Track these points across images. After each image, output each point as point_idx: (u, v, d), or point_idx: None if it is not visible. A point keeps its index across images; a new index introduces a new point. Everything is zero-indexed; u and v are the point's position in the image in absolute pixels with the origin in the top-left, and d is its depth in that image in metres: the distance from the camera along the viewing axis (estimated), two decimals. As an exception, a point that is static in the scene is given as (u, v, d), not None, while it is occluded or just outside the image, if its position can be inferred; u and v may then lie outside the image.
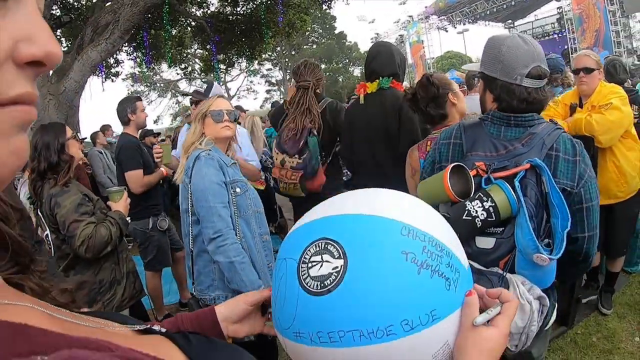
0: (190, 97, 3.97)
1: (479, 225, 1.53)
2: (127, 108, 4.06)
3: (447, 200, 1.61)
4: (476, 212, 1.52)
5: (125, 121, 4.08)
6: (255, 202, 2.55)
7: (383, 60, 3.13)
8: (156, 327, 0.69)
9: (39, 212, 2.66)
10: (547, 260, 1.39)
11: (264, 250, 2.55)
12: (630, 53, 19.28)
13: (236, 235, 2.37)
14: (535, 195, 1.53)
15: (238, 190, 2.44)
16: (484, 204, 1.52)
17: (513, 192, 1.51)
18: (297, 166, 3.38)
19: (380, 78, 3.09)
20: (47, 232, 2.69)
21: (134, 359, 0.42)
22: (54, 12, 10.46)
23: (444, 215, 1.62)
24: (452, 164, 1.63)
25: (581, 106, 3.55)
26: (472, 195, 1.58)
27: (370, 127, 3.10)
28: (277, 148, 3.46)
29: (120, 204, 2.85)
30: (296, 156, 3.39)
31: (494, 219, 1.52)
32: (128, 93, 35.94)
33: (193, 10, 11.87)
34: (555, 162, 1.60)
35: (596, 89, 3.43)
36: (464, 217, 1.53)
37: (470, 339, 0.74)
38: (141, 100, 4.29)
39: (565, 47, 20.89)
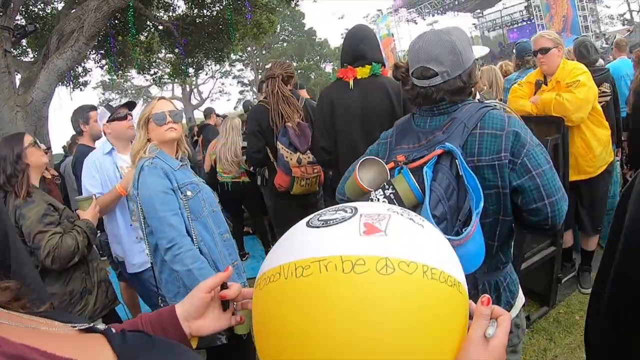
0: None
1: None
2: (79, 119, 3.90)
3: (363, 193, 1.64)
4: (378, 199, 1.55)
5: (79, 132, 3.95)
6: (210, 202, 2.49)
7: (372, 45, 3.02)
8: (100, 327, 0.67)
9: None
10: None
11: (226, 249, 2.50)
12: (598, 37, 19.61)
13: (193, 239, 2.33)
14: (447, 179, 1.53)
15: (189, 193, 2.39)
16: (385, 192, 1.55)
17: (414, 180, 1.53)
18: (314, 160, 3.47)
19: (373, 64, 2.96)
20: (15, 244, 2.60)
21: (16, 355, 0.41)
22: (18, 21, 10.24)
23: None
24: (365, 157, 1.70)
25: (546, 83, 3.63)
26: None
27: (368, 112, 2.94)
28: (288, 148, 3.45)
29: (89, 213, 2.78)
30: (308, 152, 3.45)
31: (397, 205, 1.52)
32: (99, 101, 35.41)
33: (160, 14, 11.72)
34: (480, 140, 1.58)
35: (559, 66, 3.52)
36: None
37: (484, 351, 0.77)
38: (95, 109, 4.07)
39: (535, 33, 21.20)
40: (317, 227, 0.77)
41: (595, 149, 3.56)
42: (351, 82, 2.97)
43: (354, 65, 3.00)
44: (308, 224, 0.80)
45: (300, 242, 0.77)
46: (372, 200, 1.56)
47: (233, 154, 5.45)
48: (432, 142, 1.63)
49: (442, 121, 1.67)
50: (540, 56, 3.55)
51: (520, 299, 1.86)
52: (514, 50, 5.59)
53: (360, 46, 2.98)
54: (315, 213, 0.84)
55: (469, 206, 1.49)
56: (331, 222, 0.77)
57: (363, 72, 2.96)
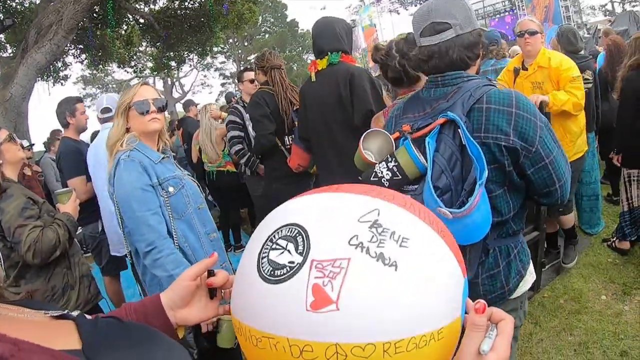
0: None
1: (386, 185, 1.57)
2: (66, 111, 3.85)
3: (368, 165, 1.68)
4: (382, 172, 1.59)
5: (64, 124, 3.89)
6: (194, 198, 2.29)
7: (328, 37, 3.10)
8: (74, 313, 0.65)
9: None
10: (449, 215, 1.37)
11: (213, 250, 2.27)
12: (580, 27, 19.76)
13: (174, 241, 2.16)
14: (449, 149, 1.52)
15: (171, 189, 2.18)
16: (388, 164, 1.58)
17: (415, 151, 1.54)
18: None
19: (330, 54, 3.06)
20: (-6, 240, 2.55)
21: None
22: (-5, 16, 10.02)
23: (359, 180, 1.65)
24: (369, 130, 1.72)
25: (524, 68, 3.72)
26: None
27: (324, 102, 3.08)
28: None
29: (69, 206, 2.72)
30: None
31: (400, 177, 1.56)
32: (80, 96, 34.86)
33: (140, 6, 11.55)
34: (487, 114, 1.54)
35: (540, 51, 3.64)
36: (371, 179, 1.61)
37: None
38: (82, 101, 4.05)
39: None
40: (265, 278, 0.68)
41: (574, 133, 3.66)
42: (312, 75, 3.17)
43: (317, 59, 3.17)
44: (259, 269, 0.70)
45: (251, 298, 0.71)
46: (376, 173, 1.59)
47: (211, 141, 5.43)
48: (436, 109, 1.62)
49: (447, 91, 1.66)
50: (527, 36, 3.61)
51: (531, 274, 1.83)
52: (482, 39, 5.58)
53: (317, 41, 3.15)
54: (268, 235, 0.74)
55: (474, 175, 1.48)
56: (278, 273, 0.67)
57: (322, 63, 3.12)
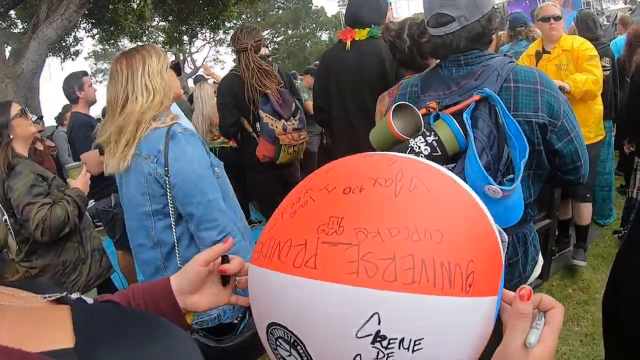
0: None
1: None
2: (74, 85, 3.83)
3: (395, 141, 1.53)
4: (419, 147, 1.43)
5: (73, 99, 3.87)
6: (227, 183, 2.04)
7: (371, 9, 3.04)
8: (74, 296, 0.61)
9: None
10: (500, 192, 1.31)
11: (247, 240, 2.05)
12: (599, 14, 19.36)
13: None
14: (488, 127, 1.46)
15: (217, 170, 1.91)
16: (427, 138, 1.44)
17: (458, 126, 1.44)
18: (298, 126, 3.42)
19: (372, 26, 3.00)
20: (6, 216, 2.56)
21: None
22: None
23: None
24: (398, 103, 1.56)
25: (546, 52, 3.73)
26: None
27: (362, 73, 3.00)
28: (273, 116, 3.35)
29: (79, 181, 2.71)
30: (292, 118, 3.39)
31: (440, 153, 1.45)
32: (92, 72, 34.73)
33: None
34: (515, 93, 1.52)
35: (561, 35, 3.70)
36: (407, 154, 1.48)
37: None
38: (87, 74, 4.02)
39: (534, 6, 20.89)
40: None
41: (597, 114, 3.69)
42: (348, 43, 3.04)
43: (353, 28, 3.06)
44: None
45: None
46: (412, 148, 1.44)
47: (203, 122, 5.39)
48: (464, 88, 1.55)
49: (472, 70, 1.59)
50: (553, 21, 3.64)
51: (541, 258, 1.84)
52: (507, 21, 5.55)
53: (359, 11, 3.04)
54: (266, 326, 0.66)
55: (507, 155, 1.44)
56: None
57: (361, 34, 3.02)
